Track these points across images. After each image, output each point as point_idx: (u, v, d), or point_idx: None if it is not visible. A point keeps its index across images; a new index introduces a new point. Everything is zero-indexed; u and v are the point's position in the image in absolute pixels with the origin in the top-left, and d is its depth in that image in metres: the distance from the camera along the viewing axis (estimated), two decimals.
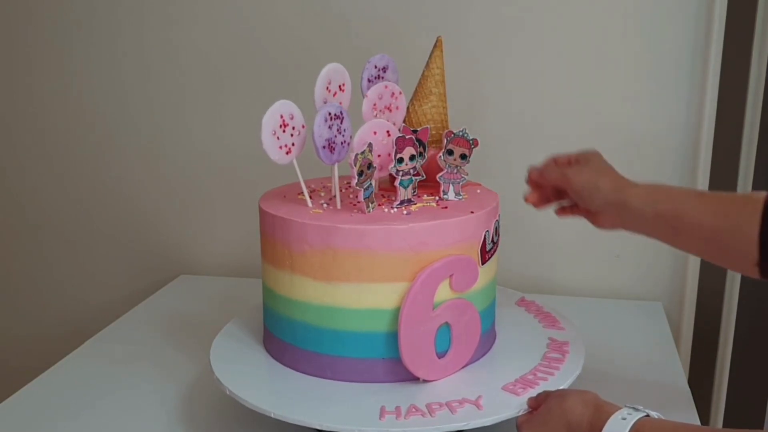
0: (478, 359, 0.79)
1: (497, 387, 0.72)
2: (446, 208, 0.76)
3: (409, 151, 0.76)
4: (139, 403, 0.83)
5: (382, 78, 0.84)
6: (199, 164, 1.23)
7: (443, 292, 0.72)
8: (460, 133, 0.78)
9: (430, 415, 0.67)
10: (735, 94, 1.03)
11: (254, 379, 0.76)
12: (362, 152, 0.72)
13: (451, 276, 0.72)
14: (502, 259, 0.87)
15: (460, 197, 0.79)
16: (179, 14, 1.18)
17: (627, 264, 1.15)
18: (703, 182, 1.08)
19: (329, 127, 0.73)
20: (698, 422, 0.80)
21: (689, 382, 0.89)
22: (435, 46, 0.86)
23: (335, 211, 0.75)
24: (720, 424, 1.13)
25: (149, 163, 1.24)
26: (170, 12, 1.18)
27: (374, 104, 0.81)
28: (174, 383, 0.87)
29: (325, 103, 0.77)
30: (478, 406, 0.69)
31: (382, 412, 0.68)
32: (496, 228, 0.78)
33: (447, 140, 0.78)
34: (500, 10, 1.09)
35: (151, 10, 1.18)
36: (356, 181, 0.72)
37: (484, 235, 0.75)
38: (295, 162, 0.76)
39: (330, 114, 0.73)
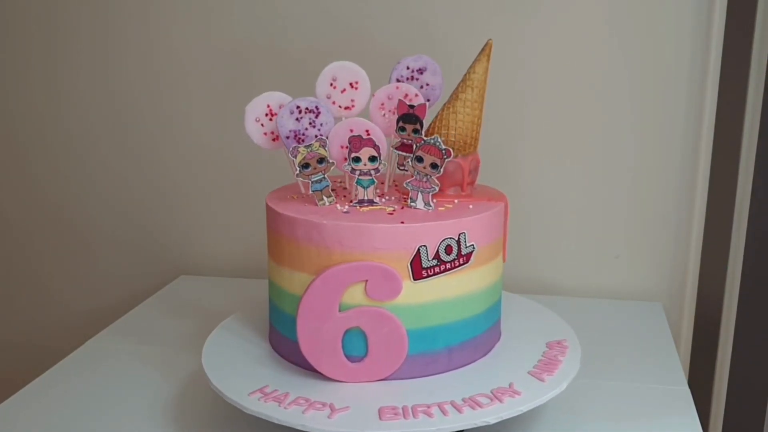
0: (451, 371, 0.76)
1: (434, 403, 0.70)
2: (392, 214, 0.74)
3: (368, 151, 0.75)
4: (139, 404, 0.83)
5: (416, 80, 0.83)
6: (201, 164, 1.22)
7: (355, 295, 0.71)
8: (431, 141, 0.74)
9: (331, 415, 0.68)
10: (735, 95, 1.01)
11: (232, 359, 0.79)
12: (307, 146, 0.74)
13: (365, 281, 0.71)
14: None
15: (430, 208, 0.75)
16: (189, 8, 1.16)
17: (627, 264, 1.13)
18: (703, 182, 1.07)
19: (297, 120, 0.77)
20: (698, 422, 0.78)
21: (689, 382, 0.88)
22: (482, 49, 0.82)
23: (302, 200, 0.79)
24: (720, 424, 1.10)
25: (150, 162, 1.23)
26: (177, 5, 1.16)
27: (382, 104, 0.81)
28: (174, 384, 0.87)
29: (328, 98, 0.81)
30: (380, 416, 0.67)
31: (295, 402, 0.70)
32: (448, 246, 0.72)
33: (416, 146, 0.75)
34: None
35: (154, 5, 1.17)
36: (297, 172, 0.75)
37: (418, 250, 0.71)
38: (284, 149, 0.81)
39: (299, 107, 0.77)
